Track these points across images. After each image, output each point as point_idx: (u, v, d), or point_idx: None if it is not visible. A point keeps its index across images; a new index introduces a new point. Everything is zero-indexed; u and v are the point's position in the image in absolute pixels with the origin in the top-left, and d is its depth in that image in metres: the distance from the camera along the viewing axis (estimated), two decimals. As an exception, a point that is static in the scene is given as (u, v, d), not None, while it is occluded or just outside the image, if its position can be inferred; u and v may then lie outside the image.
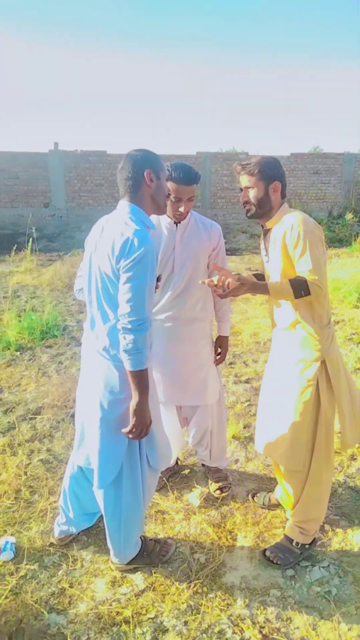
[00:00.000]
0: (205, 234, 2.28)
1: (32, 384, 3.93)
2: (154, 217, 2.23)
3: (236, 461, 2.88)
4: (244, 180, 1.98)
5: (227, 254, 2.20)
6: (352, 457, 2.88)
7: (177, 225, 2.23)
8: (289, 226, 1.87)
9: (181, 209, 2.13)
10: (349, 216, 12.36)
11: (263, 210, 1.99)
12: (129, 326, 1.65)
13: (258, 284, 1.91)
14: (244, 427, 3.20)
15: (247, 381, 3.91)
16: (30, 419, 3.37)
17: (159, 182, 1.79)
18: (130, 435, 1.78)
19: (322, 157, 13.51)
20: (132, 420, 1.76)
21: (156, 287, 1.93)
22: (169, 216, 2.20)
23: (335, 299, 6.00)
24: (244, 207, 2.03)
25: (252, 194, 1.97)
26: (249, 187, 1.98)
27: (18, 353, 4.57)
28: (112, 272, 1.68)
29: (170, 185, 2.05)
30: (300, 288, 1.83)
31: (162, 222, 2.24)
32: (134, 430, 1.76)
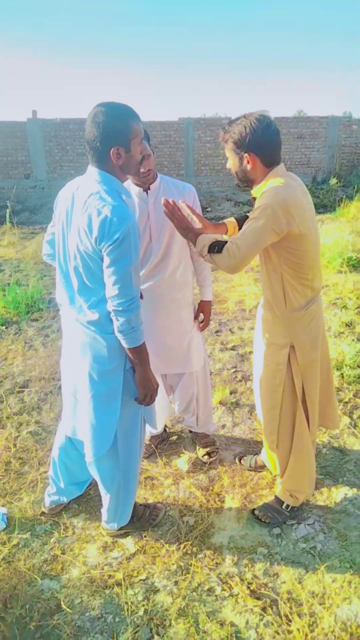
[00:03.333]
0: (178, 196, 2.19)
1: (19, 357, 3.91)
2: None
3: (223, 426, 2.92)
4: (225, 148, 1.90)
5: (217, 222, 2.14)
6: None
7: (147, 193, 2.16)
8: (261, 196, 1.79)
9: (143, 169, 2.03)
10: (333, 181, 12.23)
11: (243, 180, 1.91)
12: (120, 308, 1.63)
13: (194, 233, 1.91)
14: (231, 393, 3.24)
15: (233, 348, 3.93)
16: (18, 392, 3.37)
17: (128, 155, 1.64)
18: (144, 403, 1.86)
19: (305, 121, 13.25)
20: (140, 390, 1.83)
21: None
22: (136, 184, 2.13)
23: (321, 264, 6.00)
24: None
25: (229, 164, 1.92)
26: (226, 157, 1.91)
27: (4, 327, 4.53)
28: (92, 251, 1.61)
29: None
30: (216, 244, 1.81)
31: (133, 191, 2.16)
32: (144, 398, 1.84)
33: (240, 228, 2.13)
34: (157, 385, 1.88)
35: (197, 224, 2.10)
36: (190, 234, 1.93)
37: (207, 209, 11.23)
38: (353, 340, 3.84)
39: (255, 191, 1.90)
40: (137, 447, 1.95)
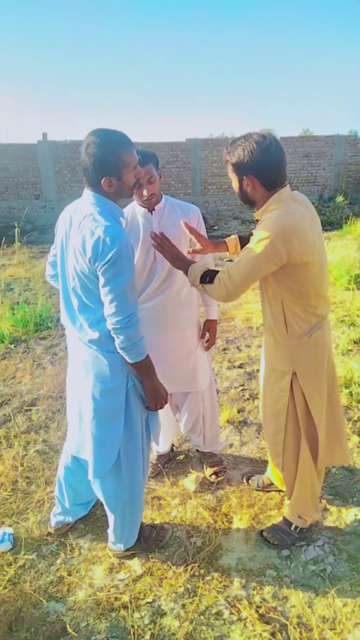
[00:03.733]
0: (183, 217, 2.20)
1: (27, 375, 3.93)
2: (128, 209, 2.21)
3: (231, 445, 2.90)
4: (228, 169, 1.85)
5: (218, 241, 2.15)
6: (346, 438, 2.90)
7: (152, 213, 2.18)
8: (261, 223, 1.75)
9: (145, 194, 2.06)
10: (339, 199, 12.30)
11: (245, 201, 1.86)
12: (118, 326, 1.65)
13: (185, 262, 1.91)
14: (238, 412, 3.22)
15: (240, 366, 3.92)
16: (26, 410, 3.37)
17: (119, 183, 1.66)
18: (154, 410, 1.91)
19: (311, 140, 13.40)
20: (150, 401, 1.87)
21: None
22: (141, 205, 2.16)
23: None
24: None
25: (233, 184, 1.87)
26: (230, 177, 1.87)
27: (12, 346, 4.56)
28: (88, 271, 1.65)
29: None
30: (207, 274, 1.79)
31: (138, 211, 2.19)
32: (154, 406, 1.88)
33: (242, 244, 2.11)
34: (167, 394, 1.91)
35: (197, 245, 2.10)
36: (181, 263, 1.92)
37: (214, 228, 11.31)
38: (361, 357, 3.81)
39: (258, 214, 1.84)
40: (141, 466, 1.94)
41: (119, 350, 1.72)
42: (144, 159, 2.00)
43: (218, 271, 1.80)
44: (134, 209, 2.21)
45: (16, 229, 8.56)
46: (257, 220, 1.87)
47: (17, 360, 4.24)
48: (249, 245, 1.74)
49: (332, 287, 5.93)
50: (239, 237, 2.14)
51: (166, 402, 1.93)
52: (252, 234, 2.11)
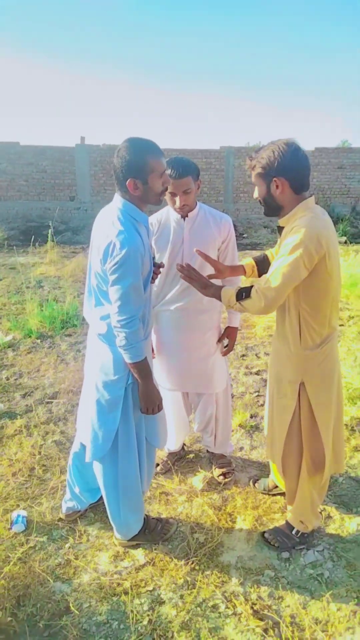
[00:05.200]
0: (214, 226, 2.30)
1: (51, 370, 4.08)
2: (163, 212, 2.31)
3: (241, 449, 2.96)
4: (252, 175, 1.89)
5: (247, 249, 2.24)
6: (356, 449, 2.92)
7: (184, 220, 2.28)
8: (291, 230, 1.76)
9: (177, 204, 2.16)
10: (373, 212, 12.17)
11: (270, 208, 1.88)
12: (119, 324, 1.78)
13: (215, 288, 1.95)
14: (251, 417, 3.28)
15: (257, 373, 3.98)
16: (47, 402, 3.52)
17: (145, 187, 1.77)
18: (147, 413, 1.97)
19: (346, 152, 13.33)
20: (142, 403, 1.94)
21: (155, 274, 2.02)
22: (175, 210, 2.26)
23: (353, 295, 5.98)
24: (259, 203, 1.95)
25: (256, 192, 1.90)
26: (254, 184, 1.90)
27: (39, 341, 4.74)
28: (101, 271, 1.80)
29: None
30: (243, 291, 1.82)
31: (171, 216, 2.29)
32: (146, 410, 1.95)
33: (258, 267, 2.17)
34: (160, 399, 1.98)
35: (211, 269, 2.15)
36: (210, 290, 1.97)
37: (244, 235, 11.36)
38: (380, 371, 3.81)
39: (284, 221, 1.86)
40: (135, 458, 2.02)
41: (118, 348, 1.83)
42: (184, 170, 2.09)
43: (251, 287, 1.83)
44: (167, 213, 2.31)
45: (50, 229, 8.83)
46: (280, 228, 1.89)
47: (42, 355, 4.41)
48: (282, 252, 1.76)
49: (357, 299, 5.91)
50: (255, 260, 2.19)
51: (160, 409, 1.99)
52: (266, 256, 2.19)
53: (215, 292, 1.96)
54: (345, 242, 9.52)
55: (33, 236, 9.27)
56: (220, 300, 1.95)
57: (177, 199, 2.15)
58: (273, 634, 1.80)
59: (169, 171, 2.05)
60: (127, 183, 1.75)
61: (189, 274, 1.99)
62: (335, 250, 1.80)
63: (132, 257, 1.71)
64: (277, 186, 1.79)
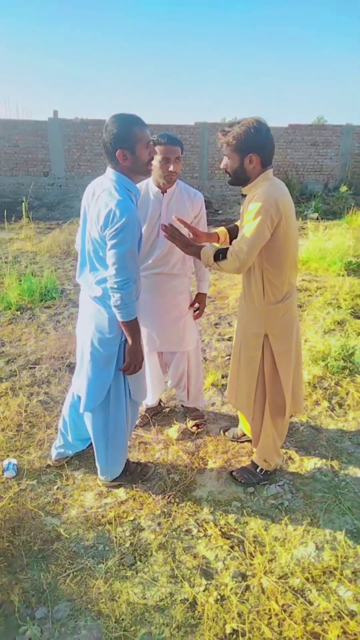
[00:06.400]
0: (188, 202, 2.52)
1: (32, 339, 4.26)
2: (142, 185, 2.50)
3: (212, 404, 3.24)
4: (223, 148, 2.09)
5: (222, 225, 2.43)
6: (316, 402, 3.23)
7: (163, 195, 2.47)
8: (253, 197, 2.00)
9: (171, 168, 2.33)
10: (343, 189, 12.48)
11: (239, 179, 2.08)
12: (115, 285, 1.96)
13: (196, 247, 2.15)
14: (222, 377, 3.55)
15: (229, 339, 4.25)
16: (30, 368, 3.71)
17: (134, 157, 1.94)
18: (127, 371, 2.14)
19: (320, 129, 13.53)
20: (127, 359, 2.13)
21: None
22: (157, 184, 2.44)
23: (321, 267, 6.29)
24: (225, 172, 2.15)
25: (228, 163, 2.07)
26: (226, 156, 2.10)
27: (18, 312, 4.89)
28: (99, 238, 1.97)
29: (157, 148, 2.29)
30: (220, 252, 2.03)
31: (150, 190, 2.48)
32: (129, 367, 2.14)
33: (230, 234, 2.40)
34: (143, 359, 2.17)
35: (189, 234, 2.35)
36: (192, 248, 2.17)
37: (219, 212, 11.54)
38: (341, 336, 4.12)
39: (247, 189, 2.10)
40: (124, 407, 2.26)
41: (112, 307, 2.03)
42: (176, 140, 2.34)
43: (227, 248, 2.05)
44: (147, 187, 2.50)
45: (23, 204, 8.84)
46: (244, 196, 2.15)
47: (23, 326, 4.57)
48: (247, 218, 1.98)
49: (325, 272, 6.22)
50: (227, 228, 2.42)
51: (140, 367, 2.18)
52: (236, 225, 2.42)
53: (195, 251, 2.17)
54: (317, 219, 9.83)
55: (6, 212, 9.26)
56: (200, 258, 2.15)
57: (172, 165, 2.33)
58: (238, 550, 2.09)
59: (164, 139, 2.27)
60: (116, 154, 1.92)
61: (172, 234, 2.17)
62: (292, 214, 2.05)
63: (130, 224, 1.90)
64: (250, 161, 2.02)
